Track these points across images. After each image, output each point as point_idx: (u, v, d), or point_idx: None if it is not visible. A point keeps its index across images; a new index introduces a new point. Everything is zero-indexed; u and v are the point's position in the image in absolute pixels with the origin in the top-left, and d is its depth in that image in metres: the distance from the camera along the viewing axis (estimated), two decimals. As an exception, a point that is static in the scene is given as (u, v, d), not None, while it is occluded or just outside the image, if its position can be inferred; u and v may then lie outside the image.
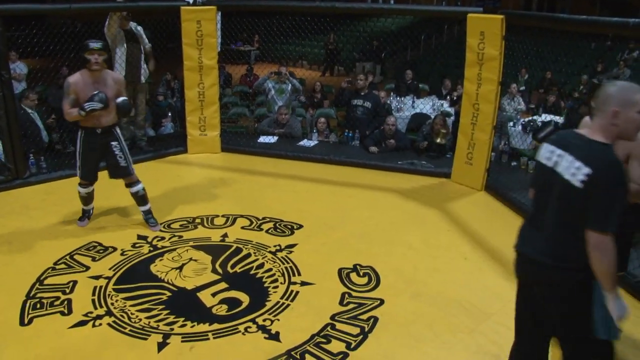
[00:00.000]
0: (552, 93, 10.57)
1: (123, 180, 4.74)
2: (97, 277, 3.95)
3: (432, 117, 7.69)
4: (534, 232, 2.43)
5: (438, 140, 6.86)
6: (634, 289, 3.90)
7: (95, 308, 3.58)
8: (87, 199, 4.79)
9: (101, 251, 4.35)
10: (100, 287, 3.84)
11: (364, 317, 3.57)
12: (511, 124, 8.30)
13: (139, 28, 6.52)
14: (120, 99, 4.43)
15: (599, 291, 2.22)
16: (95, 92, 4.29)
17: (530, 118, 8.71)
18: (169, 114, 8.29)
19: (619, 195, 2.14)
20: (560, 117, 9.04)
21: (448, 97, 9.90)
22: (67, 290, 3.78)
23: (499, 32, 5.43)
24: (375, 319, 3.56)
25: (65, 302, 3.63)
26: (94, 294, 3.73)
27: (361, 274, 4.14)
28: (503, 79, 5.67)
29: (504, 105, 8.98)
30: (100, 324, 3.42)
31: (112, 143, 4.57)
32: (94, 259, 4.22)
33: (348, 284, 3.97)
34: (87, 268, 4.08)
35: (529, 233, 2.49)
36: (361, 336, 3.37)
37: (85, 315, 3.50)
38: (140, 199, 4.77)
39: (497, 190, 5.81)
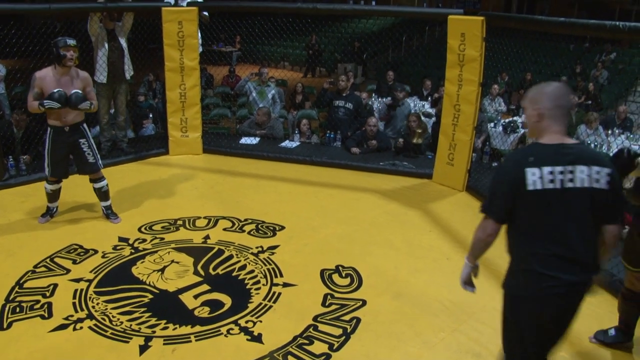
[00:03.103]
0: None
1: (89, 176, 4.83)
2: (77, 280, 3.92)
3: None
4: (565, 259, 2.27)
5: (414, 141, 6.90)
6: (612, 287, 3.96)
7: (76, 311, 3.55)
8: (53, 196, 4.84)
9: (82, 254, 4.31)
10: (81, 290, 3.80)
11: (347, 317, 3.58)
12: (492, 124, 8.38)
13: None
14: (73, 91, 4.46)
15: None
16: (55, 90, 4.37)
17: (510, 119, 8.80)
18: (150, 115, 8.24)
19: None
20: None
21: (429, 98, 9.97)
22: (47, 294, 3.74)
23: (480, 33, 5.48)
24: (358, 320, 3.57)
25: (46, 306, 3.60)
26: (74, 297, 3.70)
27: (343, 274, 4.15)
28: (484, 80, 5.72)
29: (485, 106, 9.06)
30: (81, 328, 3.39)
31: (81, 140, 4.66)
32: (74, 262, 4.18)
33: (330, 285, 3.98)
34: (68, 271, 4.04)
35: (559, 263, 2.27)
36: (343, 337, 3.38)
37: (66, 318, 3.46)
38: (104, 194, 4.88)
39: (478, 191, 5.85)
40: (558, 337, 2.43)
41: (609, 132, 7.91)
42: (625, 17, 17.44)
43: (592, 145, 7.52)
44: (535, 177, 2.24)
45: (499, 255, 4.51)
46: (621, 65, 13.74)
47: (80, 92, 4.50)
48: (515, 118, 8.87)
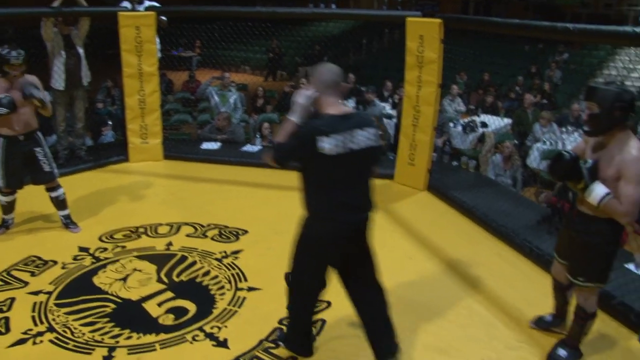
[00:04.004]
0: (489, 94, 10.90)
1: (44, 185, 4.71)
2: (36, 293, 3.83)
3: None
4: (352, 206, 2.87)
5: None
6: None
7: (36, 325, 3.47)
8: (8, 207, 4.71)
9: (40, 265, 4.22)
10: (41, 302, 3.72)
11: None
12: (452, 124, 8.52)
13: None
14: (22, 81, 4.36)
15: None
16: (2, 96, 4.25)
17: (469, 119, 8.96)
18: (109, 122, 8.12)
19: None
20: (499, 117, 9.35)
21: (390, 100, 10.07)
22: (5, 308, 3.64)
23: (437, 35, 5.56)
24: (323, 322, 3.59)
25: (3, 321, 3.50)
26: (33, 310, 3.62)
27: (308, 277, 4.15)
28: (443, 81, 5.81)
29: (444, 106, 9.20)
30: (42, 341, 3.31)
31: (36, 149, 4.55)
32: (33, 274, 4.09)
33: (295, 288, 3.98)
34: (26, 284, 3.95)
35: (347, 209, 2.85)
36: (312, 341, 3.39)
37: (25, 333, 3.38)
38: (61, 203, 4.78)
39: (439, 190, 5.94)
40: (354, 264, 3.07)
41: (564, 129, 8.13)
42: (575, 19, 17.92)
43: (548, 142, 7.72)
44: (328, 145, 2.64)
45: (464, 255, 4.62)
46: (573, 65, 14.11)
47: (30, 82, 4.38)
48: (474, 118, 9.04)
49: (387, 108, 9.47)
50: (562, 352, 3.21)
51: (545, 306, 3.59)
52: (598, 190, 2.79)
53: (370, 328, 3.09)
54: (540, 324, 3.57)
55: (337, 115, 2.73)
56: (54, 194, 4.73)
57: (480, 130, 8.40)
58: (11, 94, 4.30)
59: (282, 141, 2.82)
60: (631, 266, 4.28)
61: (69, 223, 4.84)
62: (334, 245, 2.89)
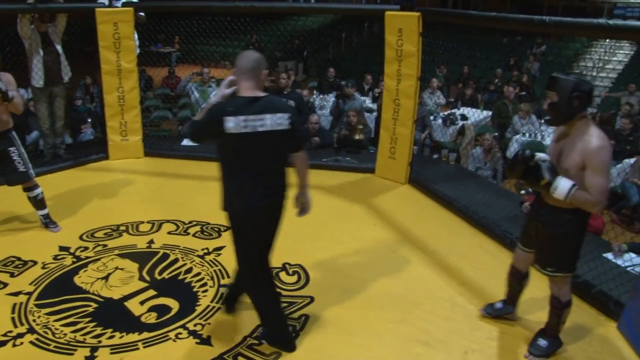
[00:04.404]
0: (469, 87, 10.97)
1: (21, 186, 4.65)
2: (16, 294, 3.78)
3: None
4: (261, 184, 3.03)
5: (356, 137, 7.00)
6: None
7: (16, 326, 3.43)
8: None
9: (20, 266, 4.17)
10: (21, 303, 3.68)
11: (295, 315, 3.60)
12: (432, 117, 8.56)
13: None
14: None
15: None
16: None
17: (449, 111, 9.01)
18: (89, 120, 8.04)
19: None
20: (479, 109, 9.42)
21: (370, 93, 10.09)
22: (-16, 309, 3.60)
23: (416, 29, 5.58)
24: (306, 317, 3.60)
25: (-18, 322, 3.47)
26: (13, 312, 3.57)
27: (290, 272, 4.17)
28: (422, 75, 5.83)
29: (425, 99, 9.25)
30: (22, 343, 3.28)
31: (10, 149, 4.46)
32: (12, 275, 4.04)
33: (278, 284, 3.97)
34: (5, 285, 3.90)
35: (257, 187, 3.02)
36: (293, 334, 3.39)
37: (4, 335, 3.34)
38: (39, 202, 4.71)
39: (420, 183, 5.97)
40: (270, 240, 3.22)
41: (542, 121, 8.21)
42: (552, 12, 18.11)
43: (527, 134, 7.80)
44: (231, 124, 2.83)
45: (445, 247, 4.66)
46: (551, 57, 14.25)
47: None
48: (454, 110, 9.10)
49: (368, 102, 9.49)
50: (542, 342, 3.25)
51: (526, 296, 3.64)
52: (563, 185, 2.83)
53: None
54: (490, 310, 3.63)
55: (248, 98, 2.91)
56: (31, 194, 4.67)
57: (460, 122, 8.46)
58: None
59: (197, 119, 3.05)
60: (609, 255, 4.35)
61: (48, 222, 4.79)
62: (252, 221, 3.06)
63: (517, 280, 3.46)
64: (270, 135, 2.91)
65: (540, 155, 3.02)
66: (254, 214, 3.04)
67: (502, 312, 3.60)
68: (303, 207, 3.38)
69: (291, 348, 3.26)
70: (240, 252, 3.19)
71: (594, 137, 2.80)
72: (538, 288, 3.63)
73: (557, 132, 3.08)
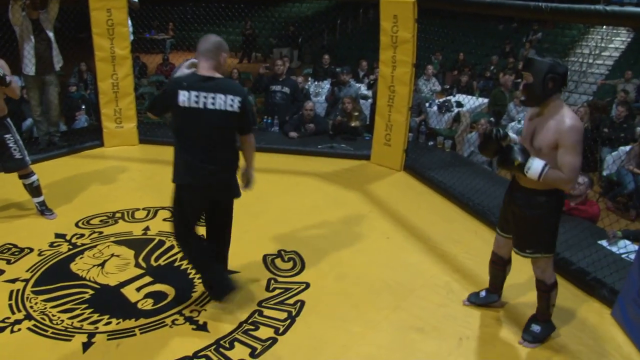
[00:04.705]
0: (464, 73, 10.96)
1: (17, 173, 4.64)
2: (13, 281, 3.79)
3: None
4: (204, 159, 3.17)
5: (352, 124, 6.99)
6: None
7: (13, 313, 3.43)
8: None
9: (16, 253, 4.17)
10: (18, 290, 3.68)
11: (291, 301, 3.62)
12: (427, 104, 8.56)
13: None
14: None
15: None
16: None
17: (444, 98, 9.00)
18: (83, 107, 8.00)
19: None
20: (474, 96, 9.41)
21: (365, 80, 10.07)
22: (-19, 297, 3.60)
23: (412, 15, 5.57)
24: (302, 303, 3.61)
25: (-21, 309, 3.47)
26: (10, 299, 3.58)
27: (286, 259, 4.18)
28: (417, 61, 5.82)
29: (420, 86, 9.23)
30: (19, 329, 3.29)
31: (6, 136, 4.45)
32: (9, 262, 4.04)
33: (273, 270, 4.01)
34: (2, 272, 3.90)
35: (199, 162, 3.18)
36: (289, 320, 3.42)
37: (2, 321, 3.35)
38: (35, 190, 4.71)
39: (415, 170, 5.98)
40: (206, 214, 3.47)
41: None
42: (549, -3, 18.03)
43: (522, 121, 7.80)
44: (184, 97, 3.03)
45: (440, 234, 4.68)
46: (547, 44, 14.22)
47: None
48: (449, 97, 9.09)
49: (363, 89, 9.47)
50: (535, 328, 3.28)
51: (521, 283, 3.66)
52: (536, 165, 2.88)
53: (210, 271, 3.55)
54: (474, 299, 3.66)
55: (203, 76, 3.09)
56: (27, 181, 4.65)
57: (456, 109, 8.46)
58: None
59: (157, 94, 3.15)
60: (604, 243, 4.37)
61: (44, 210, 4.78)
62: (193, 192, 3.26)
63: (499, 267, 3.48)
64: (220, 114, 3.08)
65: (512, 136, 3.10)
66: (197, 185, 3.23)
67: (486, 300, 3.62)
68: (247, 182, 3.54)
69: (232, 287, 3.51)
70: (175, 219, 3.44)
71: (567, 117, 2.86)
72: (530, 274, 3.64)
73: (530, 112, 3.13)
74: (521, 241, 3.17)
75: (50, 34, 6.12)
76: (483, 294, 3.64)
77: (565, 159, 2.84)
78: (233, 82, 3.28)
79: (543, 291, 3.21)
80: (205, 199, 3.35)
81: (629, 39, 13.54)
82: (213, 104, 3.06)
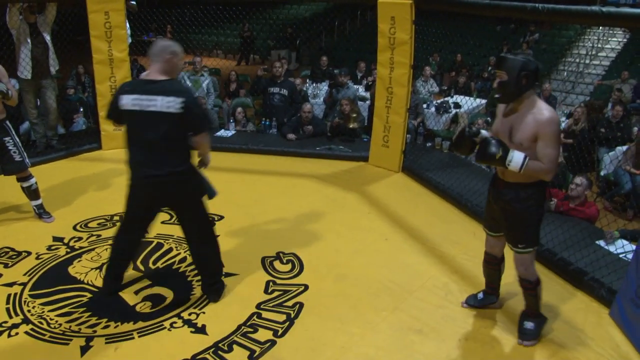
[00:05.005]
0: (462, 75, 10.96)
1: (15, 176, 4.64)
2: (10, 284, 3.78)
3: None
4: (145, 161, 3.24)
5: (350, 125, 7.00)
6: (540, 256, 4.16)
7: (11, 317, 3.43)
8: None
9: (14, 257, 4.16)
10: (15, 294, 3.67)
11: (289, 303, 3.62)
12: (425, 105, 8.56)
13: None
14: None
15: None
16: None
17: (442, 100, 9.01)
18: (81, 110, 7.99)
19: None
20: (472, 98, 9.41)
21: (364, 82, 10.07)
22: (-21, 300, 3.60)
23: (409, 16, 5.58)
24: (301, 305, 3.61)
25: (-23, 313, 3.46)
26: (8, 302, 3.57)
27: (284, 261, 4.18)
28: (415, 63, 5.83)
29: (418, 87, 9.24)
30: (17, 333, 3.28)
31: (5, 139, 4.45)
32: (6, 266, 4.03)
33: (272, 272, 4.01)
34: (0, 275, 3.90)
35: (141, 163, 3.26)
36: (287, 322, 3.42)
37: (0, 325, 3.35)
38: (33, 193, 4.71)
39: (413, 171, 5.99)
40: (152, 213, 3.51)
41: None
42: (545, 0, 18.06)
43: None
44: (125, 101, 3.14)
45: (439, 235, 4.68)
46: (544, 45, 14.25)
47: None
48: (447, 99, 9.09)
49: (361, 90, 9.47)
50: (529, 325, 3.31)
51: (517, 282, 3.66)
52: (517, 157, 2.91)
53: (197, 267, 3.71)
54: (472, 302, 3.67)
55: (146, 80, 3.20)
56: (25, 184, 4.65)
57: (454, 111, 8.46)
58: None
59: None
60: (602, 243, 4.38)
61: (42, 213, 4.77)
62: (136, 191, 3.36)
63: (494, 266, 3.50)
64: (159, 115, 3.10)
65: (484, 133, 3.15)
66: (139, 184, 3.31)
67: (484, 302, 3.63)
68: (202, 163, 3.56)
69: (107, 292, 3.67)
70: (125, 212, 3.52)
71: (545, 110, 2.92)
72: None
73: (503, 110, 3.16)
74: (514, 236, 3.19)
75: (47, 38, 6.12)
76: (481, 295, 3.65)
77: (545, 150, 2.90)
78: (178, 84, 3.26)
79: (529, 289, 3.24)
80: (145, 200, 3.39)
81: (625, 40, 13.56)
82: (153, 106, 3.10)
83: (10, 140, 4.48)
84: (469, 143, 3.16)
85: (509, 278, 3.62)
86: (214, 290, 3.65)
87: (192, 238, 3.56)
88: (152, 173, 3.21)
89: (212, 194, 3.60)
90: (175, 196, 3.36)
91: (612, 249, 4.28)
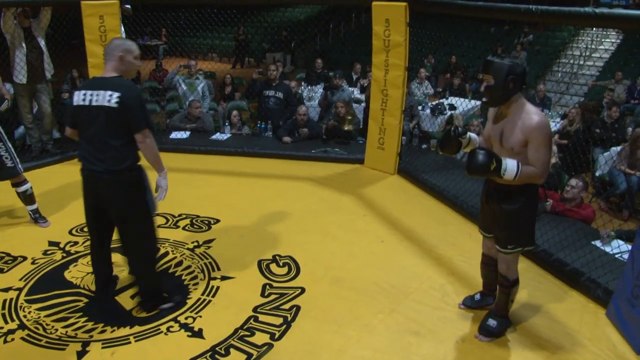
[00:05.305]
0: (457, 76, 10.99)
1: (10, 181, 4.63)
2: (6, 290, 3.77)
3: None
4: (89, 154, 3.25)
5: (345, 128, 7.01)
6: (536, 256, 4.18)
7: (6, 322, 3.41)
8: None
9: (9, 262, 4.15)
10: (11, 299, 3.66)
11: (286, 306, 3.61)
12: (420, 107, 8.57)
13: None
14: None
15: (146, 180, 3.40)
16: None
17: (437, 101, 9.02)
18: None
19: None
20: (467, 99, 9.44)
21: (358, 84, 10.08)
22: (-26, 306, 3.58)
23: (403, 18, 5.59)
24: (298, 308, 3.61)
25: (-27, 318, 3.45)
26: (3, 308, 3.56)
27: (281, 264, 4.18)
28: (410, 65, 5.84)
29: (413, 89, 9.25)
30: (13, 339, 3.26)
31: None
32: (1, 271, 4.01)
33: (268, 275, 4.00)
34: (-5, 280, 3.89)
35: (86, 156, 3.27)
36: (284, 326, 3.41)
37: (-4, 330, 3.34)
38: (28, 198, 4.70)
39: (409, 173, 5.99)
40: (102, 214, 3.40)
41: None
42: (538, 1, 18.09)
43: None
44: (77, 97, 3.21)
45: (435, 237, 4.68)
46: (538, 46, 14.30)
47: None
48: (442, 100, 9.11)
49: (356, 92, 9.48)
50: (492, 323, 3.33)
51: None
52: (510, 166, 2.91)
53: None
54: (469, 303, 3.67)
55: (98, 77, 3.29)
56: (20, 189, 4.64)
57: (449, 112, 8.48)
58: None
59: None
60: (598, 243, 4.39)
61: (37, 218, 4.76)
62: (84, 189, 3.38)
63: (491, 267, 3.50)
64: (101, 110, 3.13)
65: (471, 135, 3.22)
66: (82, 178, 3.34)
67: (481, 304, 3.63)
68: (158, 189, 3.47)
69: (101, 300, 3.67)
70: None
71: (534, 115, 2.91)
72: (523, 274, 3.65)
73: (493, 114, 3.18)
74: (505, 237, 3.19)
75: (41, 43, 6.11)
76: (478, 297, 3.65)
77: (537, 154, 2.91)
78: (122, 80, 3.22)
79: (505, 287, 3.25)
80: (89, 197, 3.39)
81: (618, 41, 13.63)
82: (96, 100, 3.13)
83: (2, 146, 4.48)
84: (455, 143, 3.20)
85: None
86: (145, 306, 3.55)
87: (123, 245, 3.54)
88: (91, 167, 3.24)
89: (136, 203, 3.39)
90: (109, 197, 3.30)
91: (608, 249, 4.29)
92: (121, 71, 3.25)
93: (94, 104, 3.14)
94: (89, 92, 3.17)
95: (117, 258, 4.12)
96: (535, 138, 2.89)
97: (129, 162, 3.25)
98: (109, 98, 3.11)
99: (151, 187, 3.45)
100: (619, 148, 6.74)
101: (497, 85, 2.95)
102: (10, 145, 4.55)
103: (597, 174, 6.80)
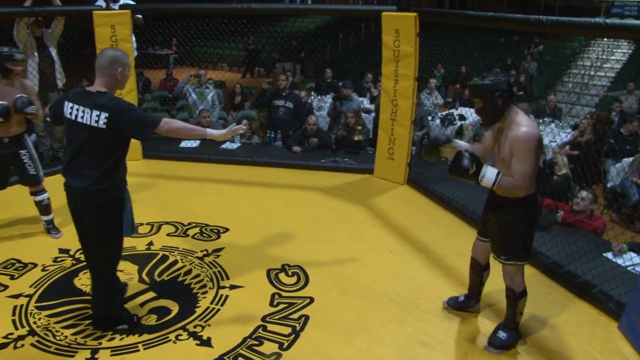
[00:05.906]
0: (467, 87, 10.97)
1: (29, 188, 4.66)
2: (16, 296, 3.78)
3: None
4: (72, 169, 3.18)
5: (355, 138, 7.01)
6: (547, 268, 4.14)
7: (17, 329, 3.43)
8: None
9: (20, 268, 4.17)
10: (21, 306, 3.67)
11: (295, 316, 3.61)
12: (430, 117, 8.57)
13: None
14: (18, 96, 4.29)
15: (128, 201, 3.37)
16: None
17: (447, 112, 9.02)
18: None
19: None
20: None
21: (368, 94, 10.10)
22: (-16, 312, 3.60)
23: (413, 29, 5.60)
24: (306, 318, 3.60)
25: (-17, 325, 3.46)
26: (14, 314, 3.57)
27: (290, 273, 4.17)
28: (419, 75, 5.84)
29: (422, 100, 9.25)
30: (23, 345, 3.27)
31: (21, 152, 4.49)
32: (12, 277, 4.04)
33: (277, 285, 4.00)
34: (5, 287, 3.90)
35: (68, 171, 3.21)
36: (293, 335, 3.40)
37: (5, 337, 3.33)
38: (44, 208, 4.71)
39: (419, 184, 5.98)
40: (82, 230, 3.32)
41: (540, 121, 8.22)
42: (549, 11, 18.12)
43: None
44: (65, 108, 3.14)
45: (444, 248, 4.66)
46: (548, 57, 14.27)
47: (25, 96, 4.31)
48: (452, 111, 9.10)
49: (365, 102, 9.49)
50: (502, 334, 3.31)
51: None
52: (489, 174, 2.94)
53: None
54: (452, 303, 3.71)
55: (87, 91, 3.16)
56: (38, 198, 4.65)
57: (458, 123, 8.47)
58: (8, 100, 4.24)
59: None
60: (609, 255, 4.36)
61: (51, 228, 4.76)
62: (68, 203, 3.29)
63: (477, 272, 3.52)
64: (87, 128, 3.07)
65: (460, 143, 3.27)
66: (65, 188, 3.25)
67: (463, 305, 3.68)
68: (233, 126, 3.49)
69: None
70: None
71: (522, 126, 2.93)
72: (532, 283, 3.62)
73: (494, 128, 3.21)
74: (496, 246, 3.23)
75: (53, 52, 6.18)
76: (462, 298, 3.70)
77: (516, 167, 2.93)
78: (109, 98, 3.10)
79: (511, 299, 3.24)
80: (71, 205, 3.28)
81: (630, 51, 13.58)
82: (82, 117, 3.07)
83: (26, 154, 4.52)
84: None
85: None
86: (99, 326, 3.44)
87: (89, 267, 3.45)
88: (69, 182, 3.20)
89: (126, 232, 3.38)
90: (83, 215, 3.23)
91: (620, 261, 4.25)
92: (112, 87, 3.16)
93: (79, 120, 3.08)
94: (75, 106, 3.09)
95: (124, 266, 4.13)
96: (517, 150, 2.92)
97: (108, 183, 3.16)
98: (96, 119, 3.03)
99: (132, 208, 3.43)
100: (630, 159, 6.70)
101: (486, 105, 3.00)
102: (34, 153, 4.59)
103: (608, 185, 6.76)
